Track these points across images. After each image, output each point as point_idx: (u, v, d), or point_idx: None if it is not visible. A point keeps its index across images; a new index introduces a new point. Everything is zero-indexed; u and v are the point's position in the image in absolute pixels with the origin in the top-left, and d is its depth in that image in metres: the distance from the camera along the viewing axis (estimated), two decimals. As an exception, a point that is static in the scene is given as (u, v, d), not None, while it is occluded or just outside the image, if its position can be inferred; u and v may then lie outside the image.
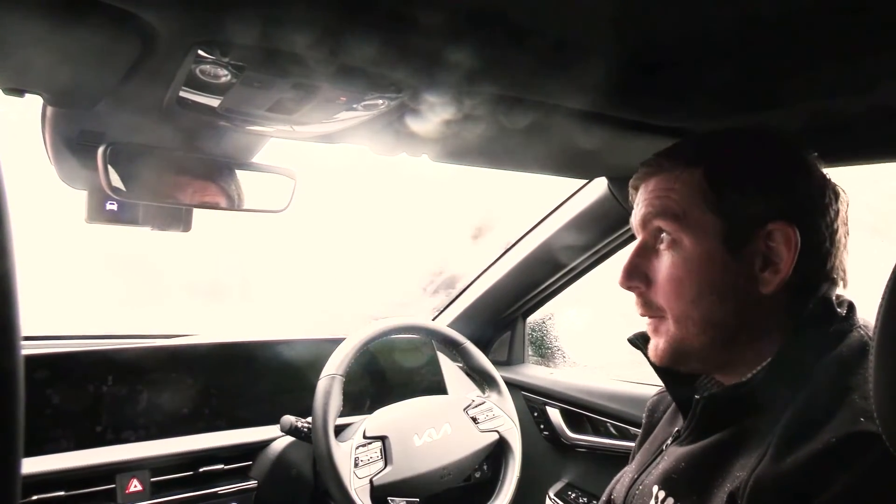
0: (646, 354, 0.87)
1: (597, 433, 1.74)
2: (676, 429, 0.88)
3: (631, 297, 0.84)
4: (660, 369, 0.85)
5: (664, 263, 0.79)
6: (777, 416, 0.69)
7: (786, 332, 0.75)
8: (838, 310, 0.76)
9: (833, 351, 0.72)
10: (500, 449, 1.61)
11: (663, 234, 0.79)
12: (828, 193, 0.77)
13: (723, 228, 0.76)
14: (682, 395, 0.85)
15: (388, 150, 1.04)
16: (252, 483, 1.42)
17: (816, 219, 0.76)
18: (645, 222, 0.82)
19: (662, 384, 0.90)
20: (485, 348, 1.95)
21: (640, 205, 0.83)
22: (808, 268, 0.75)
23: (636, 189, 0.86)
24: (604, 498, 0.98)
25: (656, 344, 0.82)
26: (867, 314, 0.76)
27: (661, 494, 0.79)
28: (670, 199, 0.79)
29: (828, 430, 0.63)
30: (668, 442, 0.88)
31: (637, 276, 0.82)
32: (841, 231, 0.78)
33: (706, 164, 0.78)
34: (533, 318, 2.11)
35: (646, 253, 0.82)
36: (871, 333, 0.72)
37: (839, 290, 0.79)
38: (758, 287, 0.75)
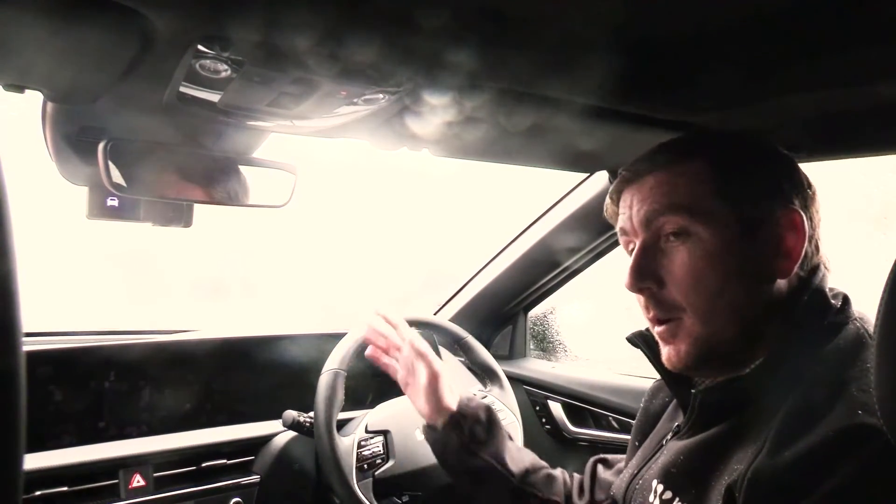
0: (645, 353, 0.87)
1: (599, 427, 1.74)
2: (677, 423, 0.88)
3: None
4: (664, 368, 0.83)
5: (679, 259, 0.76)
6: (775, 410, 0.69)
7: (782, 325, 0.75)
8: (833, 302, 0.76)
9: (829, 344, 0.72)
10: (501, 443, 1.61)
11: (670, 230, 0.77)
12: (810, 183, 0.80)
13: (736, 216, 0.75)
14: (684, 392, 0.84)
15: (388, 144, 1.04)
16: (254, 478, 1.42)
17: (810, 207, 0.78)
18: (648, 220, 0.79)
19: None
20: (486, 343, 1.95)
21: (637, 204, 0.80)
22: (805, 256, 0.77)
23: (619, 194, 0.85)
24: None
25: (677, 349, 0.78)
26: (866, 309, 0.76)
27: (661, 488, 0.79)
28: (677, 192, 0.77)
29: (826, 423, 0.63)
30: (669, 437, 0.88)
31: (648, 277, 0.78)
32: (816, 220, 0.80)
33: (709, 155, 0.78)
34: (534, 313, 2.11)
35: (651, 252, 0.79)
36: (867, 326, 0.72)
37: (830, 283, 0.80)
38: (774, 274, 0.76)
